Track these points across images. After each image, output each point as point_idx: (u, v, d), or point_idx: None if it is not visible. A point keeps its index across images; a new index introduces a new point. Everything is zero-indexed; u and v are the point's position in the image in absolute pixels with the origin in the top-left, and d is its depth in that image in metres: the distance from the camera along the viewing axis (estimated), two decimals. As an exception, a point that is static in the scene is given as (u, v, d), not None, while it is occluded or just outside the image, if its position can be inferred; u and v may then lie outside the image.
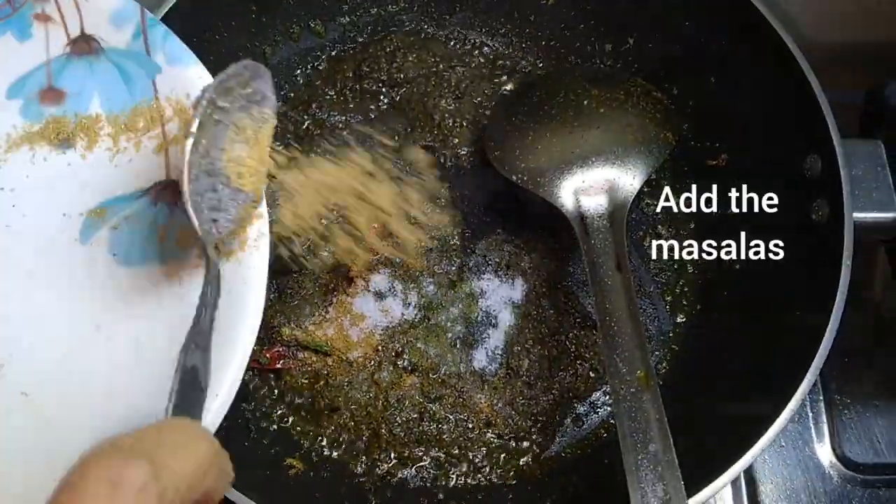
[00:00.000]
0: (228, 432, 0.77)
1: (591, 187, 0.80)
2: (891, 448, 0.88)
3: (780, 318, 0.77)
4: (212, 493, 0.48)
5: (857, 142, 0.76)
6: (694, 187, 0.91)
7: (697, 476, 0.66)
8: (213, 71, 0.86)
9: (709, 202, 0.89)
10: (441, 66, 0.98)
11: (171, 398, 0.56)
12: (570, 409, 0.85)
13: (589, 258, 0.76)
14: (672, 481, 0.63)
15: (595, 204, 0.79)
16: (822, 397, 0.90)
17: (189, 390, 0.57)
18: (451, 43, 1.00)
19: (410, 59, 0.97)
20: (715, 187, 0.89)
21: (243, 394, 0.84)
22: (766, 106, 0.83)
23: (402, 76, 0.96)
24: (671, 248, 0.88)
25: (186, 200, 0.60)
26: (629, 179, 0.80)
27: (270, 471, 0.78)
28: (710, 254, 0.86)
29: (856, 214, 0.71)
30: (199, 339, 0.59)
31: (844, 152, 0.72)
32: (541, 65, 1.00)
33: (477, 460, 0.83)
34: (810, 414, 0.90)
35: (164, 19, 0.78)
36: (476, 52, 1.00)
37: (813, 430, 0.89)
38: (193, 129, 0.60)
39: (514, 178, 0.83)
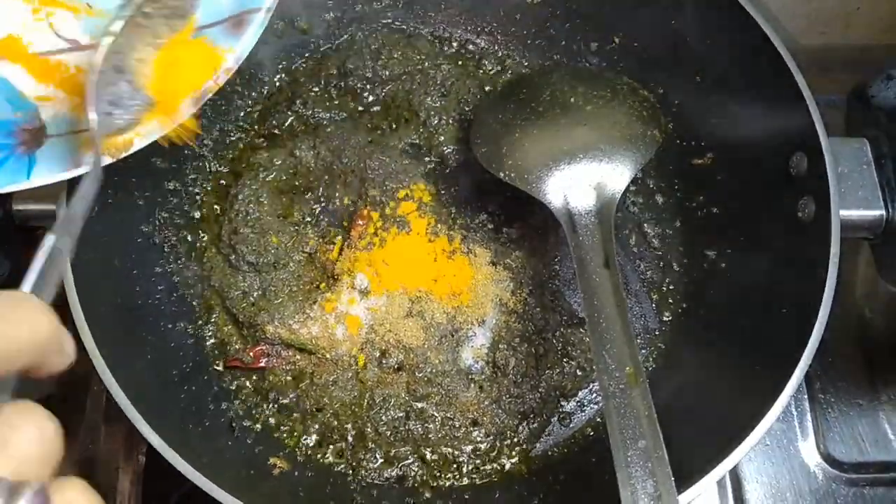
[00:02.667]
0: (211, 431, 0.78)
1: (578, 184, 0.79)
2: (875, 446, 0.89)
3: (766, 317, 0.77)
4: (47, 369, 0.45)
5: (843, 140, 0.76)
6: (679, 186, 0.92)
7: (684, 474, 0.66)
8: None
9: (695, 201, 0.90)
10: (426, 63, 0.97)
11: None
12: (557, 408, 0.85)
13: (577, 255, 0.75)
14: (662, 478, 0.62)
15: (583, 201, 0.78)
16: (806, 396, 0.90)
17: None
18: (437, 40, 1.00)
19: (395, 56, 0.96)
20: (701, 186, 0.90)
21: (226, 393, 0.83)
22: (751, 105, 0.83)
23: (387, 73, 0.96)
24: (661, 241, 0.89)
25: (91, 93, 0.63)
26: (616, 176, 0.79)
27: (254, 470, 0.77)
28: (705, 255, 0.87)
29: (842, 212, 0.72)
30: (70, 227, 0.56)
31: (830, 150, 0.72)
32: (526, 63, 0.99)
33: (463, 459, 0.82)
34: (795, 413, 0.90)
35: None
36: (461, 49, 0.99)
37: (798, 429, 0.90)
38: (115, 29, 0.65)
39: (501, 175, 0.82)
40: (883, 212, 0.74)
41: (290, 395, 0.83)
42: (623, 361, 0.68)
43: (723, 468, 0.66)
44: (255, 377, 0.84)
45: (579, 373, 0.85)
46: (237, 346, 0.85)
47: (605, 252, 0.75)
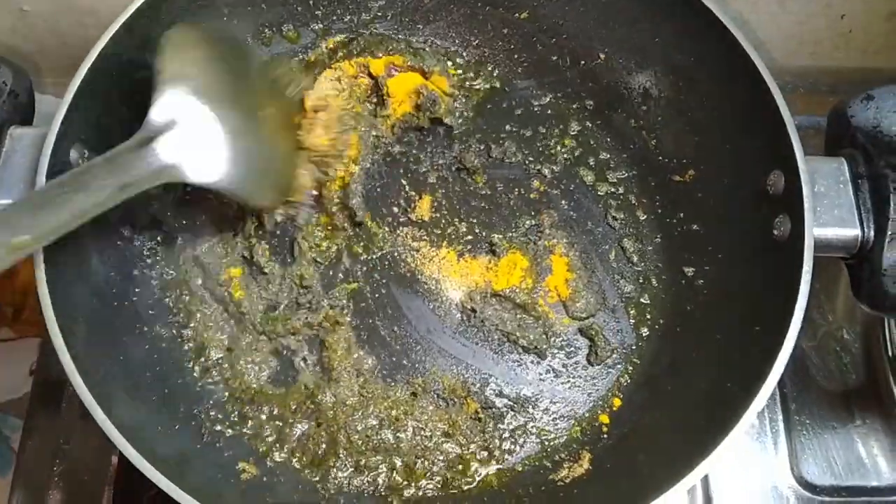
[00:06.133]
0: (180, 434, 0.78)
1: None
2: (847, 470, 0.88)
3: (739, 335, 0.77)
4: None
5: (820, 159, 0.75)
6: (660, 202, 0.92)
7: (652, 486, 0.66)
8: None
9: (675, 217, 0.90)
10: (412, 74, 0.98)
11: None
12: (530, 421, 0.84)
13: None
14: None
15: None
16: (780, 416, 0.90)
17: None
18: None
19: (381, 66, 0.97)
20: (681, 203, 0.90)
21: (198, 396, 0.83)
22: (732, 122, 0.83)
23: (373, 84, 0.97)
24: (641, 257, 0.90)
25: None
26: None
27: (222, 474, 0.77)
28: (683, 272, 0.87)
29: (816, 231, 0.71)
30: None
31: (807, 169, 0.72)
32: (512, 77, 1.00)
33: (434, 470, 0.82)
34: (769, 433, 0.89)
35: (130, 20, 0.79)
36: (448, 62, 1.00)
37: (771, 451, 0.89)
38: None
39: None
40: (858, 231, 0.73)
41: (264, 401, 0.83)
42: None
43: (689, 480, 0.65)
44: (229, 380, 0.84)
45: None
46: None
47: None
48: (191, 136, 0.71)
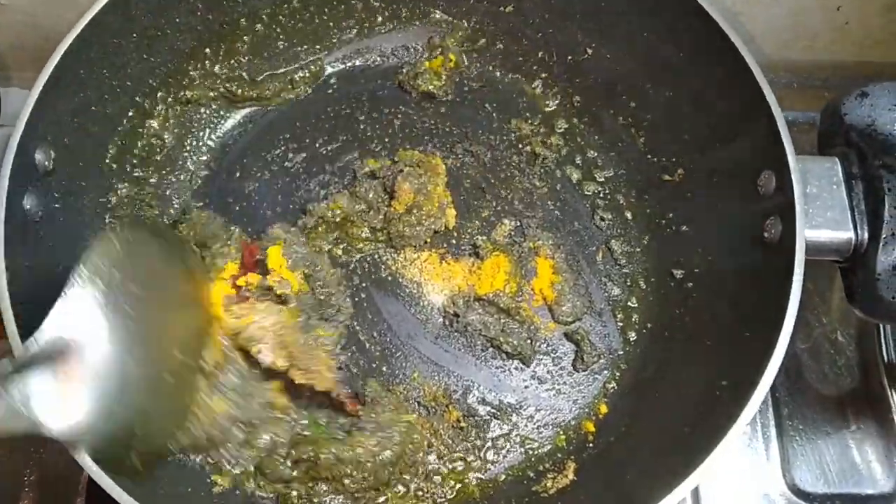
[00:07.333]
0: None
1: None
2: (841, 477, 0.86)
3: (729, 340, 0.75)
4: None
5: (813, 158, 0.73)
6: (649, 203, 0.90)
7: (642, 495, 0.65)
8: (164, 71, 0.88)
9: (664, 218, 0.88)
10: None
11: None
12: (513, 430, 0.82)
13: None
14: None
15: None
16: (773, 422, 0.88)
17: None
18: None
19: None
20: (670, 203, 0.87)
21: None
22: (723, 121, 0.81)
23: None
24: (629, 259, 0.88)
25: None
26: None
27: (192, 488, 0.74)
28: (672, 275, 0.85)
29: (808, 233, 0.69)
30: None
31: (799, 169, 0.70)
32: (498, 74, 0.97)
33: (415, 483, 0.79)
34: (761, 439, 0.87)
35: (97, 18, 0.77)
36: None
37: (763, 457, 0.87)
38: None
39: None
40: (852, 234, 0.70)
41: (239, 410, 0.81)
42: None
43: (678, 493, 0.63)
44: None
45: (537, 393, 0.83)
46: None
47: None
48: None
